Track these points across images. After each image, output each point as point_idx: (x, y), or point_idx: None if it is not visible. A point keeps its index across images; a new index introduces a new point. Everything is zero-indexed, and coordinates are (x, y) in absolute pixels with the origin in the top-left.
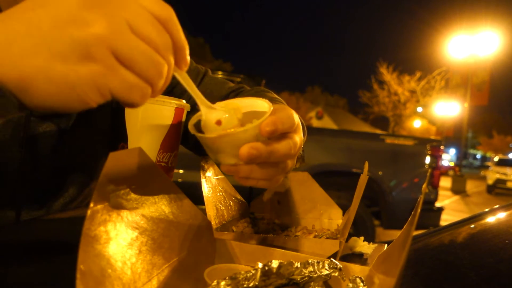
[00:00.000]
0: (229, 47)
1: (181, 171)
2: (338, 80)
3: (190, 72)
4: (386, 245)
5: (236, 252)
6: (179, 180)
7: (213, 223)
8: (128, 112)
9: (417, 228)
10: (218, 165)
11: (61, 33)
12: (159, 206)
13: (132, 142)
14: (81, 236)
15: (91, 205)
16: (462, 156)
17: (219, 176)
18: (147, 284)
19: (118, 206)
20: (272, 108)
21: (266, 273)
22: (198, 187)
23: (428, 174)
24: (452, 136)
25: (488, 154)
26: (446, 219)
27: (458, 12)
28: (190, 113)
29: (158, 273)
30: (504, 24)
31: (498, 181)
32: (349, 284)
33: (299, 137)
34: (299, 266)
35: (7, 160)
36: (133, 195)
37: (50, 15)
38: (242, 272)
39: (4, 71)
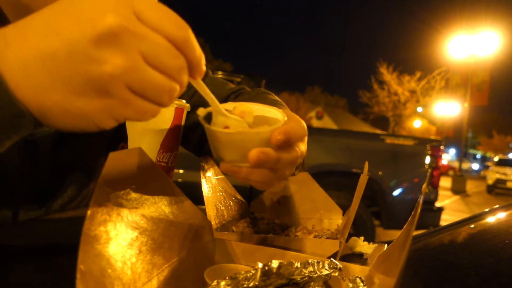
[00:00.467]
0: (229, 47)
1: (181, 171)
2: (338, 80)
3: None
4: (386, 245)
5: (236, 252)
6: (179, 180)
7: (213, 223)
8: None
9: (417, 228)
10: (218, 163)
11: (77, 70)
12: (159, 206)
13: (132, 142)
14: (81, 236)
15: (91, 205)
16: (462, 156)
17: (219, 176)
18: (147, 284)
19: (118, 206)
20: (286, 118)
21: (266, 273)
22: (198, 187)
23: (428, 174)
24: (452, 136)
25: (488, 154)
26: (446, 219)
27: (458, 12)
28: (190, 113)
29: (158, 273)
30: (504, 24)
31: (498, 181)
32: (349, 284)
33: (305, 147)
34: (299, 266)
35: (7, 160)
36: (133, 195)
37: (65, 50)
38: (242, 272)
39: (25, 101)
